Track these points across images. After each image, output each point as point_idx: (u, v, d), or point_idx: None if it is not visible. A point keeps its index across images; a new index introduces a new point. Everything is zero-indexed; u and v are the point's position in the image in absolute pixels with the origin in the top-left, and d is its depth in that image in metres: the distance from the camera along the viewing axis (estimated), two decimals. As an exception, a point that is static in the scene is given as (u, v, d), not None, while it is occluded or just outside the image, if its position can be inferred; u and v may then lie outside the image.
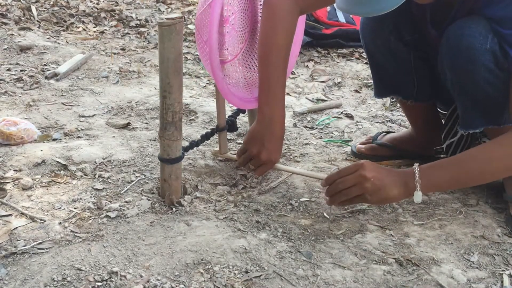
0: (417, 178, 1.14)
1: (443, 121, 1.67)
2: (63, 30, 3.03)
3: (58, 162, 1.54)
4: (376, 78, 1.61)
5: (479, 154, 1.18)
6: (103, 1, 3.57)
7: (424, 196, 1.21)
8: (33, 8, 3.18)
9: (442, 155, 1.53)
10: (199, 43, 1.38)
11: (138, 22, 3.28)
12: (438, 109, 1.67)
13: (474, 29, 1.21)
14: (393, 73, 1.53)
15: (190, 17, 3.46)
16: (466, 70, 1.25)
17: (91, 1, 3.54)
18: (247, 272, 1.12)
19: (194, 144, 1.49)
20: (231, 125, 1.59)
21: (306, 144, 1.79)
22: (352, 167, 1.19)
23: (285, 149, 1.73)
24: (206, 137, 1.53)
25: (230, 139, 1.79)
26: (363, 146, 1.70)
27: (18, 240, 1.19)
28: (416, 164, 1.17)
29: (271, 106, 1.34)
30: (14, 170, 1.49)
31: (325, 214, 1.35)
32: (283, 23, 1.31)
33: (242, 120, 1.90)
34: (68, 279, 1.07)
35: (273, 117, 1.34)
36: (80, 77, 2.32)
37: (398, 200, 1.23)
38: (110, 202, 1.36)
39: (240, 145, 1.56)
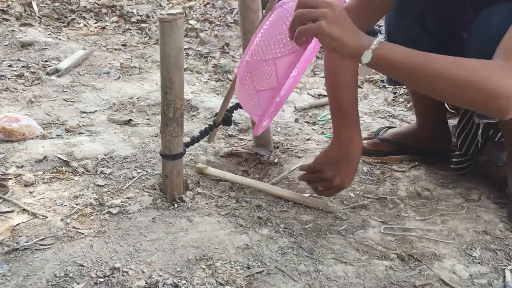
0: (375, 42, 1.03)
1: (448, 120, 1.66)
2: (64, 26, 3.03)
3: (59, 158, 1.55)
4: None
5: (448, 58, 1.05)
6: (104, -3, 3.56)
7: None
8: (34, 4, 3.18)
9: (456, 152, 1.52)
10: (244, 85, 1.20)
11: (139, 17, 3.27)
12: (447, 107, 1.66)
13: (501, 16, 1.17)
14: None
15: (191, 12, 3.45)
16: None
17: (92, -3, 3.54)
18: (249, 268, 1.12)
19: (194, 139, 1.49)
20: (226, 120, 1.57)
21: (308, 139, 1.79)
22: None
23: (287, 145, 1.73)
24: (205, 132, 1.52)
25: (232, 134, 1.78)
26: (365, 141, 1.70)
27: (20, 237, 1.19)
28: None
29: (349, 129, 1.31)
30: (16, 167, 1.49)
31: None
32: None
33: (244, 115, 1.90)
34: (70, 275, 1.07)
35: (352, 142, 1.31)
36: (81, 73, 2.32)
37: (347, 51, 1.04)
38: (112, 198, 1.36)
39: (305, 161, 1.57)
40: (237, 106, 1.64)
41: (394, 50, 1.05)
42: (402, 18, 1.47)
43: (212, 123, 1.54)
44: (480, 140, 1.46)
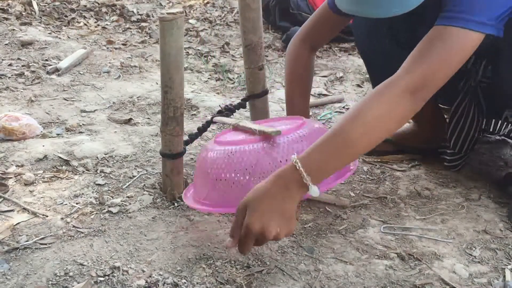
0: (305, 176, 1.00)
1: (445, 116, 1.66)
2: (64, 25, 3.03)
3: (60, 157, 1.55)
4: (372, 77, 1.60)
5: (349, 116, 1.06)
6: (104, -4, 3.56)
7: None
8: (34, 3, 3.18)
9: (449, 151, 1.52)
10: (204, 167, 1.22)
11: (139, 16, 3.27)
12: (440, 105, 1.66)
13: None
14: (389, 73, 1.52)
15: (191, 11, 3.45)
16: None
17: (92, -4, 3.54)
18: (249, 267, 1.12)
19: (193, 137, 1.47)
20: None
21: (308, 139, 1.79)
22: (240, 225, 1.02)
23: (287, 144, 1.73)
24: (203, 129, 1.52)
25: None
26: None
27: (20, 236, 1.19)
28: (294, 157, 1.02)
29: None
30: (16, 166, 1.49)
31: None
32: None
33: (244, 115, 1.90)
34: (71, 274, 1.07)
35: None
36: (81, 72, 2.32)
37: (298, 198, 1.04)
38: (112, 197, 1.36)
39: None
40: (239, 106, 1.63)
41: (313, 161, 1.01)
42: (372, 35, 1.48)
43: (210, 119, 1.54)
44: (475, 136, 1.47)
